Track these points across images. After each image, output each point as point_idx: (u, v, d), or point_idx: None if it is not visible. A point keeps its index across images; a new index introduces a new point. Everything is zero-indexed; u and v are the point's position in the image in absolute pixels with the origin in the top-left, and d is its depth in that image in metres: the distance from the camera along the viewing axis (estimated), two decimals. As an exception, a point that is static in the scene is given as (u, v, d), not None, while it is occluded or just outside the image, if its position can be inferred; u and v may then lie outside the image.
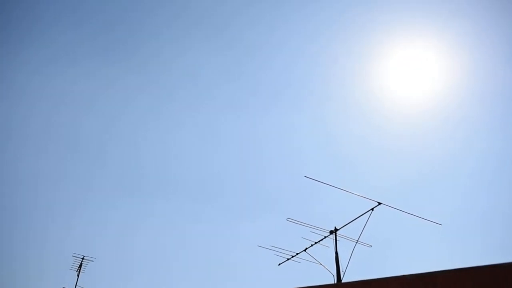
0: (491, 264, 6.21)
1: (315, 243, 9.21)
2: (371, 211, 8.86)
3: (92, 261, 13.78)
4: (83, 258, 13.75)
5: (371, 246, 8.94)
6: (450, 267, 6.62)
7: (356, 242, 8.85)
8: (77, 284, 13.52)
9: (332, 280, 8.61)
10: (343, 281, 8.58)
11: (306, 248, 9.26)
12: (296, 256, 9.32)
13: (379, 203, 8.86)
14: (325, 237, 9.15)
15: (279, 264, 9.49)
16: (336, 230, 9.15)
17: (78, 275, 13.47)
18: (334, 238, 9.07)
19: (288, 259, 9.40)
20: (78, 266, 13.55)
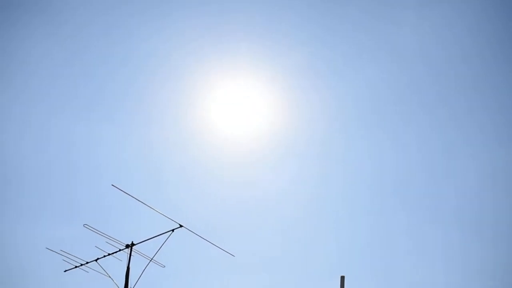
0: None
1: (108, 254, 8.90)
2: (171, 231, 8.97)
3: None
4: None
5: (164, 267, 9.23)
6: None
7: (150, 260, 9.02)
8: None
9: (118, 295, 8.90)
10: (129, 297, 8.99)
11: (98, 259, 8.90)
12: (86, 265, 8.90)
13: (181, 226, 8.99)
14: (120, 250, 8.91)
15: (65, 271, 8.92)
16: (132, 244, 8.96)
17: None
18: (129, 252, 8.93)
19: (76, 266, 8.89)
20: None
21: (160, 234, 8.93)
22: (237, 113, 18.79)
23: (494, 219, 19.67)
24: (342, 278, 8.63)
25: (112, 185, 8.59)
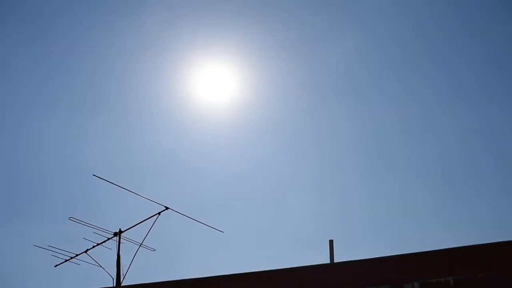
0: (267, 270, 7.01)
1: (97, 244, 8.85)
2: (158, 215, 8.95)
3: None
4: None
5: (155, 250, 9.18)
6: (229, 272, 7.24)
7: (140, 245, 9.00)
8: None
9: (111, 283, 8.85)
10: (122, 285, 8.89)
11: (87, 250, 8.84)
12: (76, 257, 8.84)
13: (167, 208, 8.99)
14: (108, 238, 8.87)
15: (56, 266, 8.84)
16: (120, 232, 8.94)
17: None
18: (117, 240, 8.90)
19: (66, 260, 8.82)
20: None
21: (147, 219, 8.91)
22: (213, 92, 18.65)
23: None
24: (331, 242, 8.73)
25: (94, 175, 8.54)
